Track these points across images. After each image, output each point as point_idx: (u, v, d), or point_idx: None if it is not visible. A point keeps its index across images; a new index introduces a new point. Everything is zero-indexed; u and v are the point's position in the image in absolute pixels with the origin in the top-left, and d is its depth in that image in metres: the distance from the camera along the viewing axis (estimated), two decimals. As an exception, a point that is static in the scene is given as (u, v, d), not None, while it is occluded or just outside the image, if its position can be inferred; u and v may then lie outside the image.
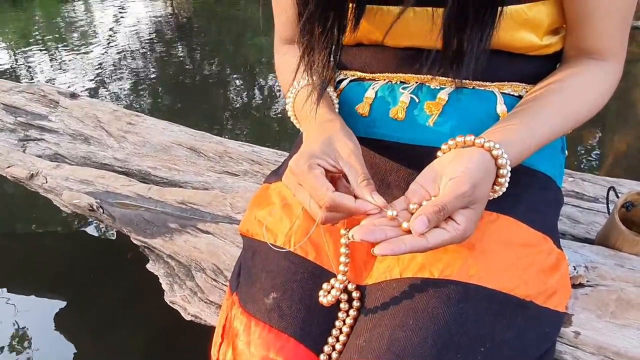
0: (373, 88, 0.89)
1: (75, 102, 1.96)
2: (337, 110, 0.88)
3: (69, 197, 1.40)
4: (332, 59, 0.83)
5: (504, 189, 0.70)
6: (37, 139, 1.80)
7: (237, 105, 3.70)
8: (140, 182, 1.50)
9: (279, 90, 3.77)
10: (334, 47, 0.81)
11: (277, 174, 0.95)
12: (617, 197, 1.03)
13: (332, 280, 0.75)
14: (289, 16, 0.82)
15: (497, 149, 0.66)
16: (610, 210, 1.03)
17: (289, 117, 0.91)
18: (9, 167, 1.60)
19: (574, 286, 0.89)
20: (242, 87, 4.03)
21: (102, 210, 1.35)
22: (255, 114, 3.54)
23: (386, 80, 0.89)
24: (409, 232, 0.62)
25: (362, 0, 0.78)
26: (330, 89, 0.90)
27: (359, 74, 0.92)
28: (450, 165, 0.67)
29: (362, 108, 0.88)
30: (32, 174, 1.54)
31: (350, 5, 0.79)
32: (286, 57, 0.99)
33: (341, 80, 0.95)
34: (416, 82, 0.85)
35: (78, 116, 1.88)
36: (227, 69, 4.43)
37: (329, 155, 0.71)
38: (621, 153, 2.73)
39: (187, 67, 4.54)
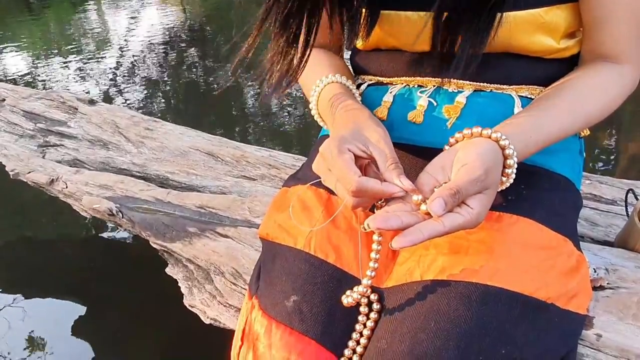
0: (391, 92, 0.89)
1: (94, 108, 1.99)
2: None
3: (88, 202, 1.41)
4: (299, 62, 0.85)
5: (511, 181, 0.71)
6: (56, 145, 1.82)
7: (252, 111, 3.70)
8: (159, 186, 1.51)
9: (297, 95, 3.78)
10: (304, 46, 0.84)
11: (295, 178, 0.95)
12: (637, 199, 1.03)
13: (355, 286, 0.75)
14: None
15: (504, 140, 0.67)
16: (629, 213, 1.03)
17: (313, 116, 0.92)
18: (29, 172, 1.63)
19: (594, 289, 0.89)
20: (257, 92, 4.04)
21: (121, 215, 1.36)
22: (271, 119, 3.55)
23: (404, 84, 0.89)
24: (427, 215, 0.63)
25: (375, 7, 0.80)
26: (353, 88, 0.91)
27: (376, 78, 0.93)
28: (460, 152, 0.67)
29: (381, 112, 0.89)
30: (53, 179, 1.56)
31: (363, 11, 0.81)
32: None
33: (359, 85, 0.96)
34: (434, 86, 0.86)
35: (97, 122, 1.90)
36: (240, 75, 4.44)
37: (359, 140, 0.72)
38: (637, 156, 2.71)
39: (200, 73, 4.55)
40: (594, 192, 1.25)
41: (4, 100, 2.10)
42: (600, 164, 2.60)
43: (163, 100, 4.03)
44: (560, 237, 0.77)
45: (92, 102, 2.05)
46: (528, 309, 0.70)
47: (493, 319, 0.67)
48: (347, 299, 0.72)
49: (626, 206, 1.13)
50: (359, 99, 0.90)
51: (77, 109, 1.99)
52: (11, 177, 1.70)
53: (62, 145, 1.82)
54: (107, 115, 1.93)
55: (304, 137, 3.24)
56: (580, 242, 0.86)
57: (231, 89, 4.10)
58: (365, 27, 0.82)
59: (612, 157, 2.69)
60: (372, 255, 0.72)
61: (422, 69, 0.85)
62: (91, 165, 1.70)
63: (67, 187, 1.54)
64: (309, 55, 0.86)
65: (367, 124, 0.75)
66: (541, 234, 0.76)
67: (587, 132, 0.92)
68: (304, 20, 0.81)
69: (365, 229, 0.66)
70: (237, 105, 3.81)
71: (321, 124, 0.93)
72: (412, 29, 0.80)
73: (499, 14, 0.72)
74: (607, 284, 0.90)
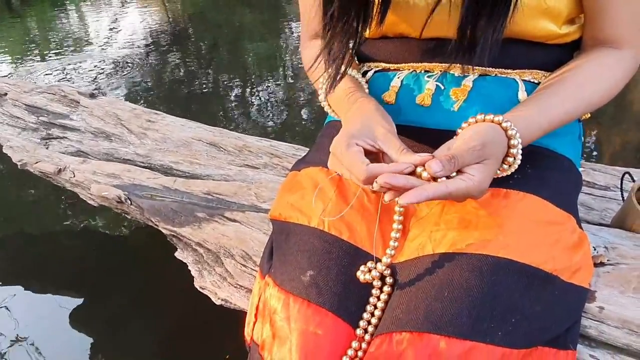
0: (399, 77, 0.93)
1: (95, 101, 2.01)
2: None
3: (97, 189, 1.43)
4: (350, 49, 0.87)
5: (518, 161, 0.75)
6: (59, 137, 1.84)
7: (243, 110, 3.72)
8: (164, 176, 1.53)
9: (295, 86, 3.81)
10: (353, 39, 0.86)
11: (304, 161, 0.98)
12: (633, 181, 1.07)
13: (370, 263, 0.78)
14: (318, 12, 0.87)
15: (505, 122, 0.72)
16: (625, 196, 1.06)
17: (323, 107, 0.95)
18: (37, 162, 1.64)
19: (595, 265, 0.92)
20: (249, 89, 4.06)
21: (130, 202, 1.39)
22: (265, 116, 3.56)
23: (411, 70, 0.93)
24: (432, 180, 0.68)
25: None
26: (359, 77, 0.94)
27: (383, 64, 0.97)
28: (462, 132, 0.73)
29: (389, 96, 0.92)
30: (60, 168, 1.58)
31: (376, 0, 0.84)
32: (314, 51, 1.02)
33: (366, 72, 0.99)
34: (440, 71, 0.90)
35: (99, 115, 1.92)
36: (224, 77, 4.45)
37: (367, 135, 0.76)
38: (627, 147, 2.77)
39: (184, 75, 4.54)
40: (588, 179, 1.28)
41: (5, 94, 2.11)
42: (592, 155, 2.66)
43: (150, 99, 4.03)
44: (564, 214, 0.80)
45: (93, 95, 2.07)
46: (535, 280, 0.73)
47: (503, 289, 0.71)
48: (365, 275, 0.76)
49: (621, 189, 1.16)
50: (366, 87, 0.94)
51: (78, 102, 2.01)
52: (19, 167, 1.71)
53: (65, 137, 1.83)
54: (108, 108, 1.95)
55: (301, 131, 3.26)
56: (580, 222, 0.89)
57: (216, 88, 4.11)
58: (378, 14, 0.85)
59: (601, 148, 2.75)
60: (393, 234, 0.76)
61: (438, 55, 0.88)
62: (95, 156, 1.72)
63: (74, 176, 1.56)
64: (359, 46, 0.89)
65: (375, 118, 0.79)
66: (547, 210, 0.79)
67: (587, 116, 0.96)
68: (358, 9, 0.83)
69: (373, 188, 0.70)
70: (226, 104, 3.82)
71: (330, 112, 0.96)
72: (424, 15, 0.83)
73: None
74: (608, 260, 0.94)
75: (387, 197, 0.68)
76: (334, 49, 0.86)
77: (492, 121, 0.72)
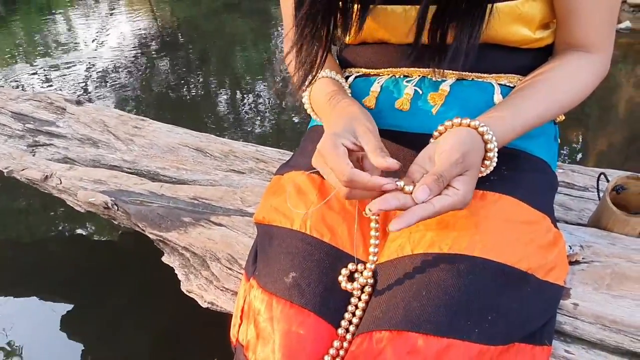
0: (378, 82, 0.95)
1: (82, 108, 2.02)
2: None
3: (84, 196, 1.45)
4: (321, 55, 0.90)
5: (494, 164, 0.77)
6: (46, 144, 1.84)
7: (228, 116, 3.73)
8: (151, 182, 1.55)
9: (284, 91, 3.83)
10: (321, 44, 0.88)
11: (288, 165, 1.00)
12: (608, 182, 1.09)
13: (351, 265, 0.81)
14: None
15: (482, 127, 0.73)
16: (601, 196, 1.09)
17: (306, 110, 0.97)
18: (23, 169, 1.65)
19: (571, 263, 0.95)
20: (238, 95, 4.07)
21: (116, 207, 1.40)
22: (250, 122, 3.58)
23: (390, 75, 0.95)
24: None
25: (366, 2, 0.85)
26: (342, 81, 0.96)
27: (364, 70, 0.99)
28: (441, 141, 0.74)
29: (369, 101, 0.94)
30: (47, 175, 1.59)
31: (355, 7, 0.86)
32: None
33: (347, 77, 1.01)
34: (419, 76, 0.92)
35: (85, 121, 1.93)
36: (213, 82, 4.46)
37: (351, 133, 0.77)
38: (604, 149, 2.82)
39: (173, 81, 4.54)
40: (567, 180, 1.30)
41: (-8, 102, 2.12)
42: (570, 157, 2.70)
43: (138, 105, 4.03)
44: (539, 214, 0.83)
45: (79, 102, 2.08)
46: (511, 278, 0.75)
47: (480, 287, 0.73)
48: (347, 284, 0.78)
49: (598, 189, 1.19)
50: (349, 91, 0.96)
51: (65, 109, 2.01)
52: (5, 174, 1.71)
53: (52, 144, 1.84)
54: (95, 114, 1.96)
55: (289, 136, 3.28)
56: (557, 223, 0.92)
57: (205, 94, 4.12)
58: (357, 21, 0.87)
59: (580, 151, 2.79)
60: (372, 241, 0.77)
61: (414, 60, 0.89)
62: (82, 163, 1.73)
63: (61, 182, 1.57)
64: (328, 52, 0.92)
65: (358, 118, 0.81)
66: (522, 210, 0.81)
67: (562, 118, 0.98)
68: (326, 17, 0.86)
69: (367, 214, 0.71)
70: (213, 110, 3.83)
71: (312, 115, 0.98)
72: (402, 22, 0.86)
73: (489, 5, 0.77)
74: (582, 258, 0.96)
75: (374, 207, 0.69)
76: (302, 54, 0.89)
77: (469, 125, 0.74)
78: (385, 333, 0.71)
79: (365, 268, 0.78)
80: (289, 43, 1.05)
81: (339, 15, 0.88)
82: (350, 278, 0.80)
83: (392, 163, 0.71)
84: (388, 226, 0.67)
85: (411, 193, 0.70)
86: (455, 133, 0.74)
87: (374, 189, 0.71)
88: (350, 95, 0.95)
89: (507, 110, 0.80)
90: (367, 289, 0.79)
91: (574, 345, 0.88)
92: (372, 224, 0.77)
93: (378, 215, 0.75)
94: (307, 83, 0.92)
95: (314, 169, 0.80)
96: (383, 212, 0.70)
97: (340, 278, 0.79)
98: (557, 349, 0.88)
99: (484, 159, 0.76)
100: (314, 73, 0.91)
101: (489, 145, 0.74)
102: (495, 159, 0.76)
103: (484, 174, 0.79)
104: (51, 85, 4.53)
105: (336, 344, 0.76)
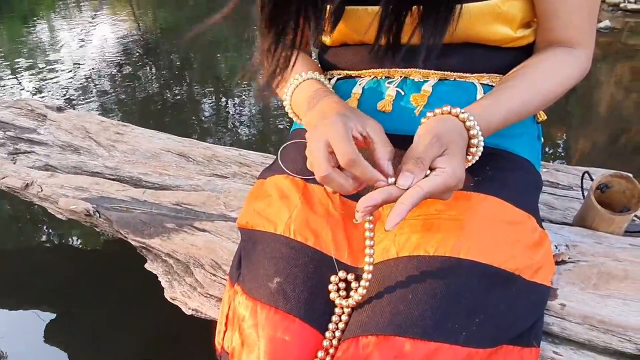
0: (360, 84, 0.94)
1: (63, 115, 1.99)
2: None
3: (65, 203, 1.43)
4: (290, 56, 0.89)
5: (480, 152, 0.76)
6: (27, 152, 1.82)
7: (211, 121, 3.72)
8: (133, 188, 1.53)
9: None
10: (289, 45, 0.88)
11: (271, 170, 0.99)
12: (592, 180, 1.09)
13: (341, 273, 0.79)
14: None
15: (462, 113, 0.73)
16: (585, 195, 1.09)
17: (288, 113, 0.96)
18: (3, 178, 1.63)
19: (557, 263, 0.95)
20: (221, 100, 4.06)
21: (98, 215, 1.38)
22: (238, 126, 3.57)
23: (372, 76, 0.94)
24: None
25: (340, 3, 0.84)
26: (326, 82, 0.95)
27: (345, 72, 0.98)
28: (417, 131, 0.73)
29: (351, 103, 0.93)
30: (27, 183, 1.57)
31: (328, 7, 0.85)
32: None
33: (329, 80, 1.00)
34: (400, 76, 0.91)
35: (66, 128, 1.90)
36: (196, 87, 4.44)
37: (359, 122, 0.74)
38: (587, 147, 2.84)
39: (156, 86, 4.52)
40: (551, 179, 1.30)
41: (-29, 110, 2.09)
42: (554, 157, 2.72)
43: (122, 111, 4.00)
44: (524, 214, 0.82)
45: (60, 109, 2.05)
46: (498, 280, 0.74)
47: (466, 289, 0.72)
48: (340, 300, 0.77)
49: (582, 188, 1.19)
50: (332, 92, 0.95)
51: (46, 116, 1.99)
52: (-15, 183, 1.70)
53: (33, 152, 1.81)
54: (76, 121, 1.94)
55: (274, 140, 3.28)
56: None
57: (188, 99, 4.10)
58: (329, 23, 0.86)
59: (564, 150, 2.81)
60: (367, 250, 0.75)
61: (384, 61, 0.89)
62: (63, 170, 1.70)
63: (42, 190, 1.55)
64: (297, 56, 0.90)
65: (360, 113, 0.79)
66: (507, 211, 0.81)
67: (544, 117, 0.98)
68: (290, 20, 0.85)
69: (357, 220, 0.70)
70: (196, 115, 3.81)
71: (296, 120, 0.97)
72: (368, 23, 0.85)
73: (458, 6, 0.77)
74: (569, 258, 0.96)
75: (362, 205, 0.68)
76: (270, 57, 0.88)
77: (450, 113, 0.73)
78: (372, 338, 0.70)
79: (354, 279, 0.78)
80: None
81: (305, 16, 0.86)
82: (340, 288, 0.79)
83: (389, 170, 0.71)
84: (384, 228, 0.66)
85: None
86: (426, 123, 0.73)
87: (370, 181, 0.70)
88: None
89: (490, 99, 0.79)
90: (353, 294, 0.78)
91: (562, 346, 0.88)
92: (367, 225, 0.74)
93: (371, 222, 0.73)
94: (274, 84, 0.91)
95: (297, 172, 0.78)
96: (371, 211, 0.69)
97: (331, 287, 0.78)
98: (545, 351, 0.87)
99: (469, 146, 0.74)
100: (280, 75, 0.90)
101: (472, 132, 0.73)
102: (482, 147, 0.75)
103: (472, 162, 0.77)
104: (35, 92, 4.48)
105: (322, 350, 0.75)
